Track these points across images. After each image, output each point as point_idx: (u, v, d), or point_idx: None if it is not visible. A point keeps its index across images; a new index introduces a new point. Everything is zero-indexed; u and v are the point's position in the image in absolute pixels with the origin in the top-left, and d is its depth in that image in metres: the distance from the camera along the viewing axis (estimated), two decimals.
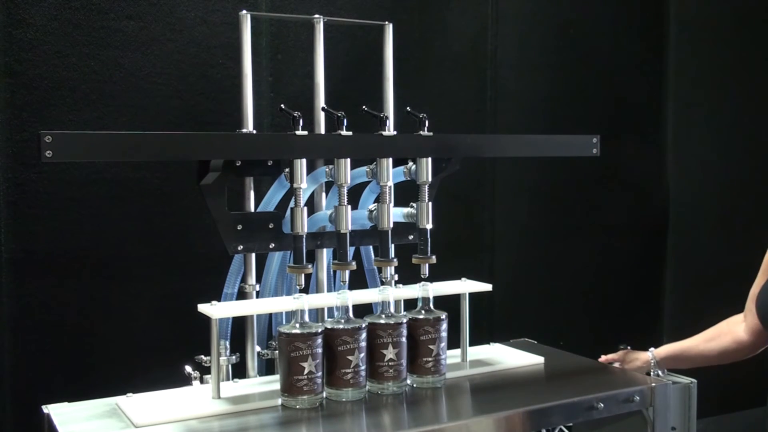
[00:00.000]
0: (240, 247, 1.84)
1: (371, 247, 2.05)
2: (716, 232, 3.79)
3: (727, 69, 3.78)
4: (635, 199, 3.69)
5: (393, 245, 1.91)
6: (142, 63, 2.57)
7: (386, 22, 2.08)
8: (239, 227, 1.83)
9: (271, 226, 1.87)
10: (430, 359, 1.81)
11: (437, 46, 3.15)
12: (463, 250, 3.24)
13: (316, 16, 2.04)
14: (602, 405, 1.77)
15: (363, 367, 1.73)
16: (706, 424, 3.04)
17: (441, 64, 3.16)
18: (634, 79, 3.66)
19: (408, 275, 1.97)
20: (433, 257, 1.88)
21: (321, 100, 2.02)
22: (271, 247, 1.87)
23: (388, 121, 1.89)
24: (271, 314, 1.97)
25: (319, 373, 1.69)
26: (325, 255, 1.99)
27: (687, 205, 3.79)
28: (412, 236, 2.02)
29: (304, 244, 1.76)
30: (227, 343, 1.88)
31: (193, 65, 2.65)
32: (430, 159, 1.88)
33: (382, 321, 1.77)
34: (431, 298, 1.86)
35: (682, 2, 3.72)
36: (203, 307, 1.75)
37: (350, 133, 1.79)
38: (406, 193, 2.02)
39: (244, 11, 1.92)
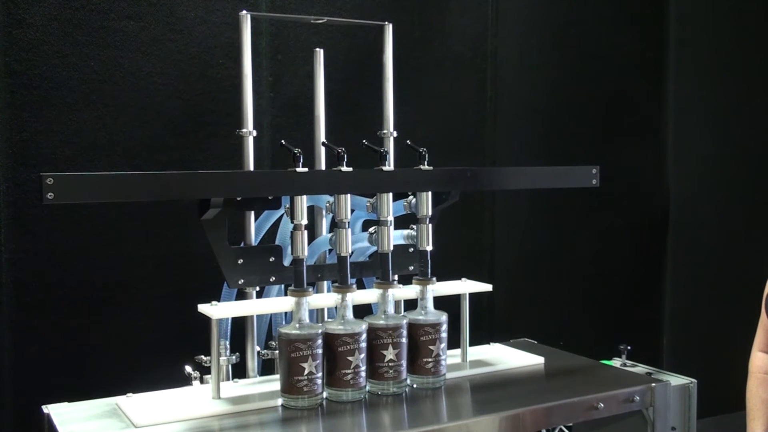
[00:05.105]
0: (241, 281, 1.85)
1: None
2: (716, 231, 3.79)
3: (727, 68, 3.78)
4: (635, 199, 3.69)
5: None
6: (142, 63, 2.57)
7: (386, 22, 2.08)
8: (240, 261, 1.83)
9: (271, 259, 1.88)
10: (430, 360, 1.81)
11: (437, 46, 3.15)
12: (463, 250, 3.24)
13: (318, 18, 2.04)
14: (602, 405, 1.77)
15: (363, 368, 1.73)
16: (706, 424, 3.03)
17: (441, 64, 3.16)
18: (634, 79, 3.66)
19: (408, 275, 1.97)
20: (434, 279, 1.87)
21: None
22: (271, 280, 1.88)
23: (388, 156, 1.88)
24: (271, 314, 1.97)
25: (319, 374, 1.69)
26: (325, 282, 2.01)
27: (687, 205, 3.79)
28: (412, 267, 2.02)
29: (305, 267, 1.76)
30: (227, 343, 1.88)
31: (193, 65, 2.65)
32: (430, 192, 1.89)
33: (382, 322, 1.77)
34: (431, 298, 1.86)
35: (682, 2, 3.72)
36: (203, 307, 1.75)
37: (350, 168, 1.78)
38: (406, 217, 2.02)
39: (244, 11, 1.92)
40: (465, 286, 1.99)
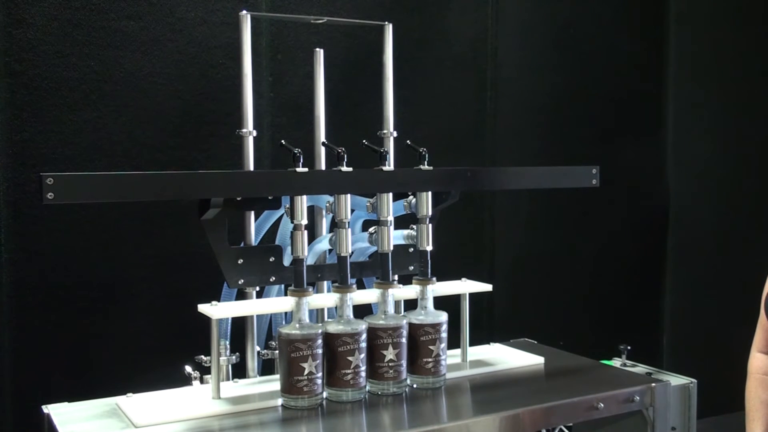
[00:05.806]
0: (241, 281, 1.84)
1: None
2: (716, 232, 3.79)
3: (727, 68, 3.78)
4: (635, 199, 3.69)
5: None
6: (142, 63, 2.57)
7: (386, 22, 2.08)
8: (240, 261, 1.83)
9: (271, 259, 1.88)
10: (430, 360, 1.81)
11: (437, 46, 3.15)
12: (463, 250, 3.24)
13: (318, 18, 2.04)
14: (602, 405, 1.77)
15: (363, 368, 1.73)
16: (706, 424, 3.03)
17: (441, 64, 3.16)
18: (634, 79, 3.66)
19: (408, 275, 1.97)
20: (434, 279, 1.87)
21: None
22: (271, 280, 1.88)
23: (388, 156, 1.88)
24: (271, 314, 1.97)
25: (319, 374, 1.69)
26: (325, 282, 2.01)
27: (687, 205, 3.79)
28: (412, 267, 2.02)
29: (305, 267, 1.76)
30: (227, 343, 1.88)
31: (193, 65, 2.65)
32: (430, 192, 1.88)
33: (382, 322, 1.77)
34: (431, 298, 1.86)
35: (682, 2, 3.72)
36: (203, 307, 1.75)
37: (350, 168, 1.78)
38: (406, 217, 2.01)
39: (244, 11, 1.92)
40: (465, 286, 1.99)
